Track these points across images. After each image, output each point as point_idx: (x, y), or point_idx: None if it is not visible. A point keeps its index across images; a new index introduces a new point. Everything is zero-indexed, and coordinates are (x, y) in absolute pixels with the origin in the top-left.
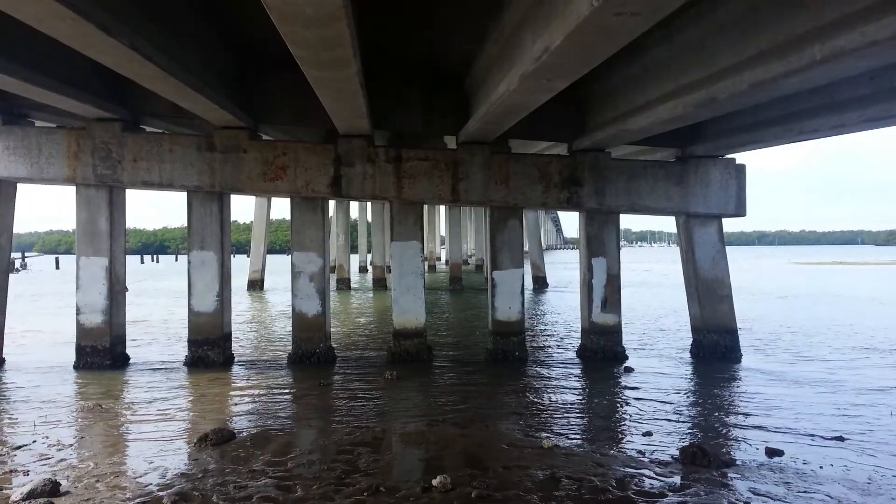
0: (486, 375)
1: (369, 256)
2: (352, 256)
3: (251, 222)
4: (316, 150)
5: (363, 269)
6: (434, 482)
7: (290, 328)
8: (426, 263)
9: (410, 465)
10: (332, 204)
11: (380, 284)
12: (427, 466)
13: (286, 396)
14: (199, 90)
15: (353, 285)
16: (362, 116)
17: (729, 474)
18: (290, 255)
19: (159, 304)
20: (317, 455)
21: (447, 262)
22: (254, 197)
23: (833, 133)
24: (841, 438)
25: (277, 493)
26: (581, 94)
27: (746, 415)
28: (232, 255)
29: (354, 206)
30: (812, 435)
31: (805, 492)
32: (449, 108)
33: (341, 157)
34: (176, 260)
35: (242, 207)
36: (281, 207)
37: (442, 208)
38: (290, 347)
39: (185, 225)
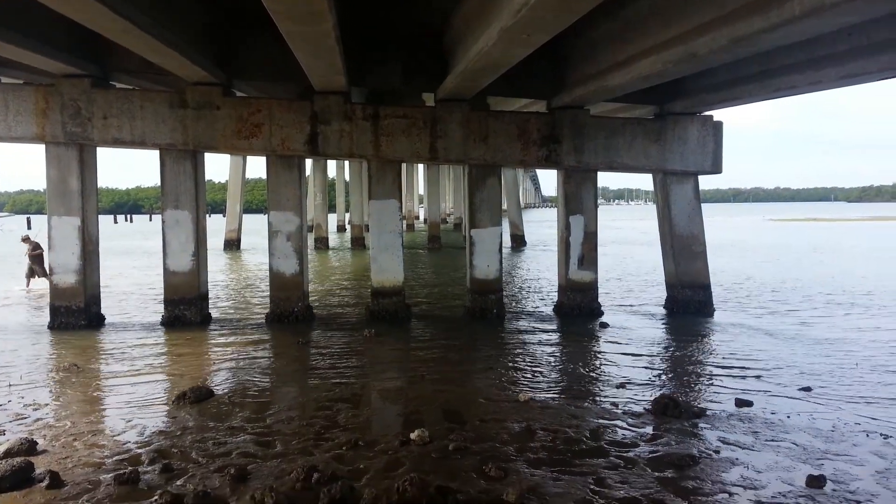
0: (465, 332)
1: (347, 215)
2: (330, 215)
3: (227, 181)
4: (292, 108)
5: (341, 229)
6: (412, 436)
7: (268, 288)
8: (404, 222)
9: (389, 420)
10: (309, 162)
11: (358, 243)
12: (406, 421)
13: (265, 355)
14: (170, 45)
15: (331, 244)
16: (339, 73)
17: (699, 424)
18: (266, 215)
19: (134, 263)
20: (296, 411)
21: (426, 220)
22: (229, 155)
23: (810, 90)
24: (808, 389)
25: (257, 449)
26: (561, 50)
27: (717, 367)
28: (207, 215)
29: (332, 165)
30: (780, 385)
31: (772, 440)
32: (427, 64)
33: (318, 114)
34: (150, 220)
35: (217, 166)
36: (257, 166)
37: (420, 167)
38: (268, 307)
39: (159, 184)
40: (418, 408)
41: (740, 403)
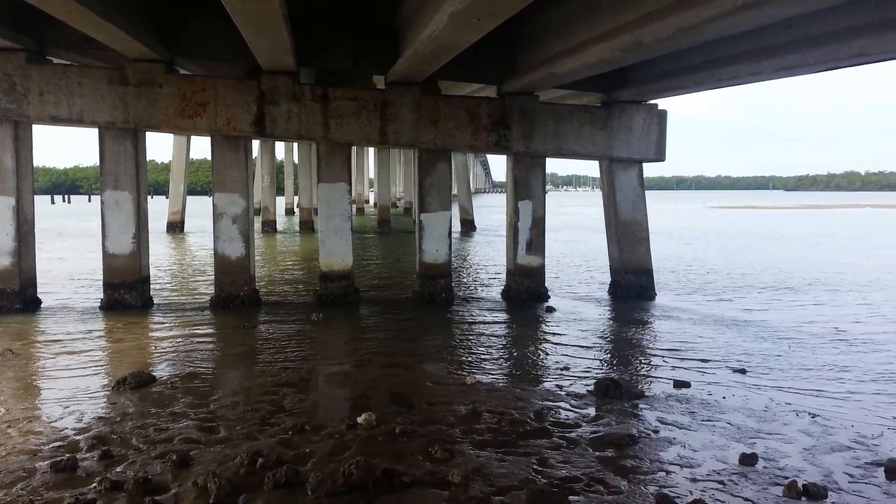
0: (413, 317)
1: (296, 198)
2: (278, 198)
3: (170, 162)
4: (238, 87)
5: (290, 212)
6: (359, 420)
7: (213, 271)
8: (354, 206)
9: (336, 405)
10: (256, 144)
11: (307, 227)
12: (353, 405)
13: (209, 339)
14: (109, 19)
15: (279, 228)
16: (287, 52)
17: (639, 405)
18: (211, 197)
19: (72, 245)
20: (241, 396)
21: (376, 204)
22: (172, 135)
23: (752, 80)
24: (743, 371)
25: (200, 435)
26: (512, 35)
27: (657, 350)
28: (149, 196)
29: (280, 147)
30: (717, 367)
31: (708, 420)
32: (378, 46)
33: (265, 94)
34: (89, 200)
35: (160, 146)
36: (202, 146)
37: (371, 150)
38: (212, 291)
39: (98, 164)
40: (366, 392)
41: (678, 385)
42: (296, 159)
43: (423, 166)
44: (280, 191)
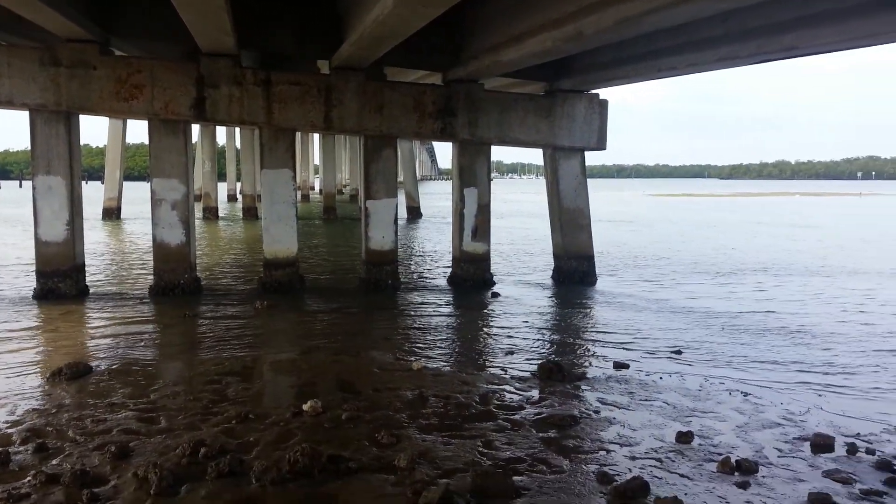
0: (359, 304)
1: (239, 185)
2: (220, 184)
3: (105, 146)
4: (176, 69)
5: (232, 198)
6: (305, 407)
7: (152, 259)
8: (299, 192)
9: (281, 392)
10: (196, 128)
11: (250, 214)
12: (299, 393)
13: (148, 329)
14: None
15: (221, 214)
16: (227, 34)
17: (581, 387)
18: (149, 182)
19: (2, 233)
20: (182, 386)
21: (321, 191)
22: (108, 118)
23: (689, 71)
24: (679, 352)
25: (140, 426)
26: (458, 23)
27: (598, 333)
28: (84, 182)
29: (222, 132)
30: (654, 349)
31: (646, 400)
32: (323, 30)
33: (205, 77)
34: (20, 186)
35: (95, 130)
36: (140, 130)
37: (316, 136)
38: (151, 279)
39: (29, 148)
40: (312, 379)
41: (618, 366)
42: (238, 144)
43: (369, 153)
44: (222, 177)
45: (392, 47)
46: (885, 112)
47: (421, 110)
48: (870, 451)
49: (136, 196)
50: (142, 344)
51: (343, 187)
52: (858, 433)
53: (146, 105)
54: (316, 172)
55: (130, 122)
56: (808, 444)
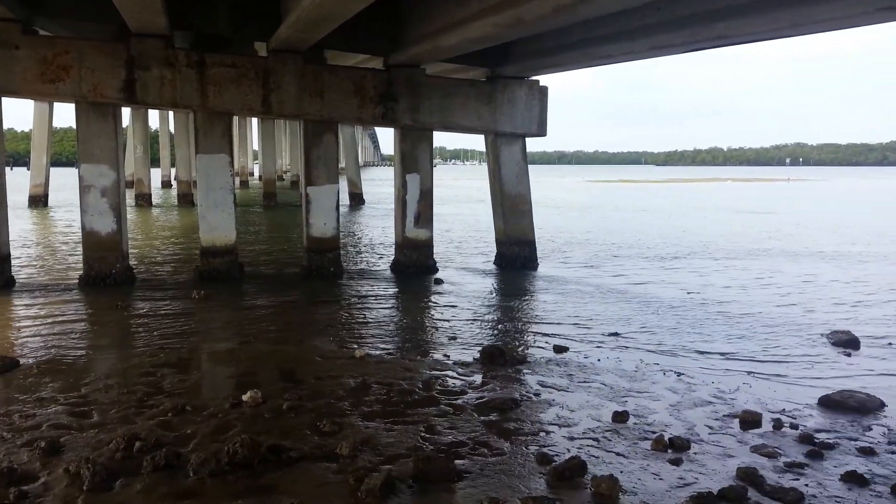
0: (301, 292)
1: (173, 170)
2: (153, 170)
3: (31, 130)
4: (105, 50)
5: (166, 184)
6: (244, 397)
7: (81, 248)
8: (238, 178)
9: (220, 383)
10: (127, 111)
11: (186, 200)
12: (238, 383)
13: (78, 320)
14: None
15: (155, 201)
16: (158, 13)
17: (522, 370)
18: (77, 168)
19: None
20: (115, 379)
21: (261, 177)
22: (33, 101)
23: (625, 59)
24: (616, 334)
25: (71, 420)
26: (399, 7)
27: (540, 317)
28: (8, 168)
29: (155, 115)
30: (593, 332)
31: (584, 382)
32: (260, 11)
33: (135, 58)
34: None
35: (20, 113)
36: (68, 113)
37: (254, 120)
38: (81, 269)
39: None
40: (252, 369)
41: (558, 349)
42: (172, 128)
43: (310, 138)
44: (155, 162)
45: (332, 30)
46: (814, 100)
47: (362, 95)
48: (794, 426)
49: (65, 183)
50: (71, 337)
51: (284, 173)
52: (784, 409)
53: (73, 87)
54: (255, 158)
55: (58, 105)
56: (737, 420)
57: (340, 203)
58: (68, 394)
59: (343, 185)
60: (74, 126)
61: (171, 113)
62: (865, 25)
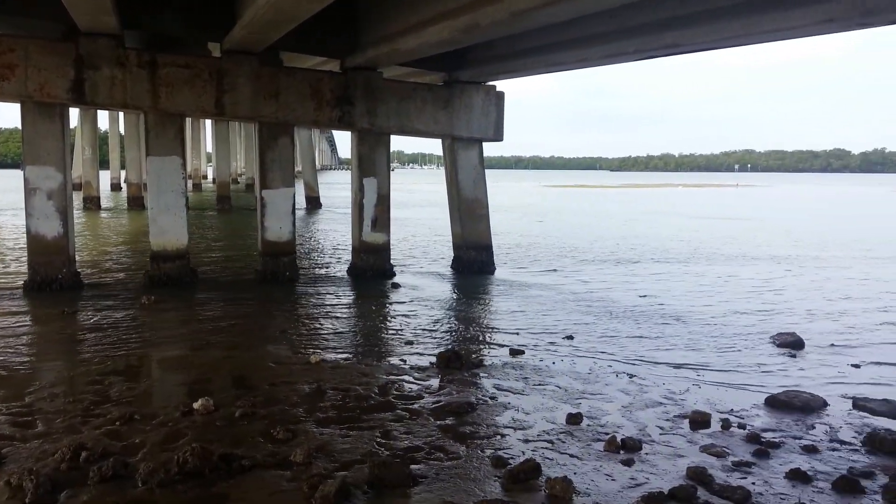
0: (256, 297)
1: (123, 173)
2: (102, 172)
3: None
4: (53, 49)
5: (116, 187)
6: (195, 405)
7: (26, 252)
8: (191, 181)
9: (170, 391)
10: (75, 112)
11: (136, 203)
12: (190, 391)
13: (22, 328)
14: None
15: (104, 204)
16: (107, 12)
17: (478, 374)
18: (22, 170)
19: None
20: (61, 388)
21: (214, 180)
22: None
23: (579, 66)
24: (571, 337)
25: (13, 431)
26: (356, 9)
27: (496, 321)
28: None
29: (104, 116)
30: (549, 335)
31: (540, 384)
32: (214, 11)
33: (84, 58)
34: None
35: None
36: (12, 113)
37: (208, 122)
38: (26, 274)
39: None
40: (203, 376)
41: (514, 353)
42: (122, 130)
43: (265, 141)
44: (105, 164)
45: (288, 32)
46: (762, 108)
47: (318, 98)
48: (741, 426)
49: (9, 185)
50: (15, 344)
51: (238, 176)
52: (732, 409)
53: (18, 86)
54: (209, 160)
55: (2, 106)
56: (687, 421)
57: (297, 207)
58: (11, 403)
59: (300, 189)
60: (19, 126)
61: (121, 114)
62: (808, 36)
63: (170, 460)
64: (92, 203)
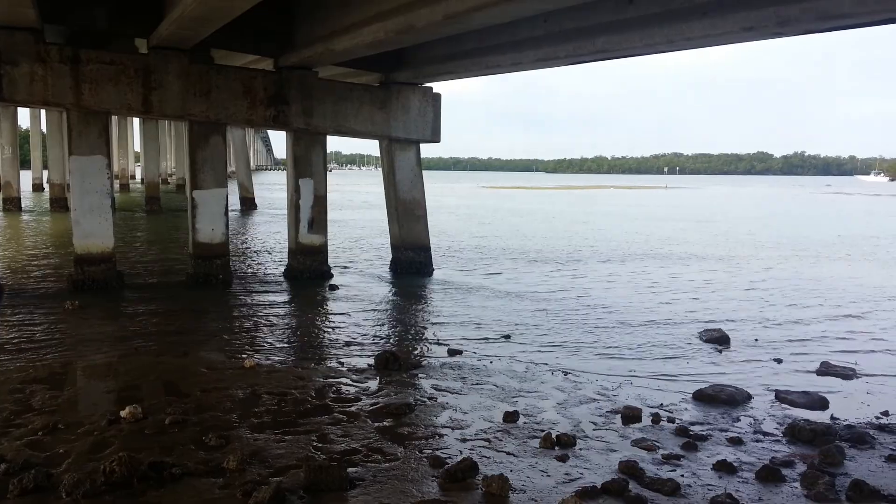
0: (187, 301)
1: (45, 173)
2: (23, 172)
3: None
4: None
5: (38, 188)
6: (122, 413)
7: None
8: (118, 182)
9: (97, 399)
10: None
11: (59, 205)
12: (118, 398)
13: None
14: None
15: (25, 206)
16: (26, 5)
17: (417, 375)
18: None
19: None
20: None
21: (143, 180)
22: None
23: (513, 69)
24: (508, 336)
25: None
26: (290, 7)
27: (435, 321)
28: None
29: (26, 114)
30: (487, 335)
31: (477, 384)
32: (141, 6)
33: (1, 52)
34: None
35: None
36: None
37: (136, 121)
38: None
39: None
40: (132, 383)
41: (452, 353)
42: (44, 128)
43: (195, 140)
44: (26, 164)
45: (219, 29)
46: (690, 112)
47: (252, 96)
48: (671, 420)
49: None
50: None
51: (169, 176)
52: (662, 404)
53: None
54: (137, 160)
55: None
56: (619, 416)
57: (231, 208)
58: None
59: (234, 190)
60: None
61: (42, 111)
62: (731, 43)
63: (96, 470)
64: (12, 204)
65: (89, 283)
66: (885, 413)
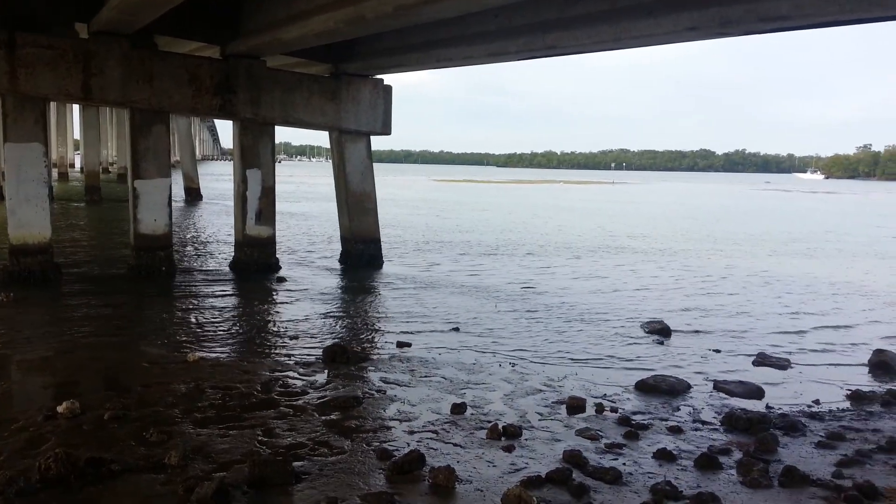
0: (128, 293)
1: None
2: None
3: None
4: None
5: None
6: (59, 409)
7: None
8: (56, 170)
9: (32, 394)
10: None
11: None
12: (55, 394)
13: None
14: None
15: None
16: None
17: (366, 367)
18: None
19: None
20: None
21: (83, 169)
22: None
23: (464, 63)
24: (457, 329)
25: None
26: None
27: (384, 314)
28: None
29: None
30: (435, 327)
31: (426, 376)
32: None
33: None
34: None
35: None
36: None
37: (76, 107)
38: None
39: None
40: (71, 378)
41: (401, 345)
42: None
43: (137, 128)
44: None
45: (163, 14)
46: (636, 109)
47: (197, 84)
48: (614, 410)
49: None
50: None
51: (110, 165)
52: (605, 394)
53: None
54: (77, 148)
55: None
56: (564, 406)
57: (175, 198)
58: None
59: (178, 180)
60: None
61: None
62: (676, 42)
63: (30, 468)
64: None
65: (25, 274)
66: (817, 401)
